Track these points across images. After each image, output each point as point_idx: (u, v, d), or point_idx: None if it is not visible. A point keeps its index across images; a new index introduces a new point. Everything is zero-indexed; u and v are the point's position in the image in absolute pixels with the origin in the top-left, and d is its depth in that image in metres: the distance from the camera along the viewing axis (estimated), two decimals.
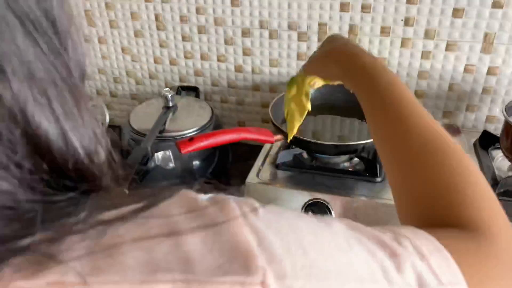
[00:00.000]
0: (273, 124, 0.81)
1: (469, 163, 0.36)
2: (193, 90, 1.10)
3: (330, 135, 0.88)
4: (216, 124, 0.97)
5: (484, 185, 0.35)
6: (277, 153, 0.85)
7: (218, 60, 1.04)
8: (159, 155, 0.88)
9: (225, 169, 1.00)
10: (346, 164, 0.84)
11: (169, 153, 0.89)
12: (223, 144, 0.74)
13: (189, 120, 0.94)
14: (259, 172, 0.82)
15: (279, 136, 0.79)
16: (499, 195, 0.72)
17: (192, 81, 1.10)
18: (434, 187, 0.34)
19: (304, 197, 0.76)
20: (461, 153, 0.37)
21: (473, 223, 0.31)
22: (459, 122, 0.95)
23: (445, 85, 0.92)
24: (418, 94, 0.94)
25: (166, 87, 1.13)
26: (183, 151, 0.71)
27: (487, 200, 0.34)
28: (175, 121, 0.94)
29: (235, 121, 1.13)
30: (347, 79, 0.48)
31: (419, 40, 0.88)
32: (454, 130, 0.88)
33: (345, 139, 0.85)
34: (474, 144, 0.86)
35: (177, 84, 1.11)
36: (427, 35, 0.88)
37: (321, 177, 0.80)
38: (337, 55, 0.50)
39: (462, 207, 0.33)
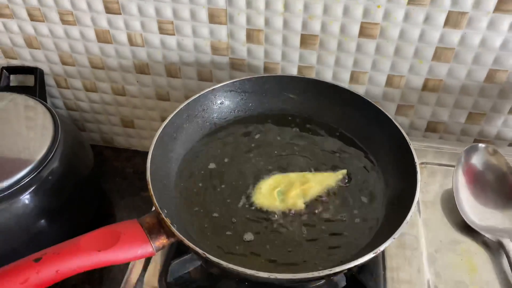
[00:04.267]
0: (157, 209, 0.37)
1: None
2: (30, 73, 0.62)
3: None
4: (68, 151, 0.51)
5: None
6: (166, 261, 0.42)
7: (63, 21, 0.55)
8: None
9: None
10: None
11: None
12: None
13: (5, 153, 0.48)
14: None
15: (164, 241, 0.36)
16: None
17: (26, 58, 0.61)
18: None
19: None
20: None
21: None
22: (492, 132, 0.56)
23: (481, 72, 0.50)
24: (429, 86, 0.53)
25: None
26: None
27: None
28: None
29: (116, 121, 0.67)
30: None
31: None
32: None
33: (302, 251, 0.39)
34: None
35: (2, 62, 0.62)
36: None
37: None
38: None
39: None
